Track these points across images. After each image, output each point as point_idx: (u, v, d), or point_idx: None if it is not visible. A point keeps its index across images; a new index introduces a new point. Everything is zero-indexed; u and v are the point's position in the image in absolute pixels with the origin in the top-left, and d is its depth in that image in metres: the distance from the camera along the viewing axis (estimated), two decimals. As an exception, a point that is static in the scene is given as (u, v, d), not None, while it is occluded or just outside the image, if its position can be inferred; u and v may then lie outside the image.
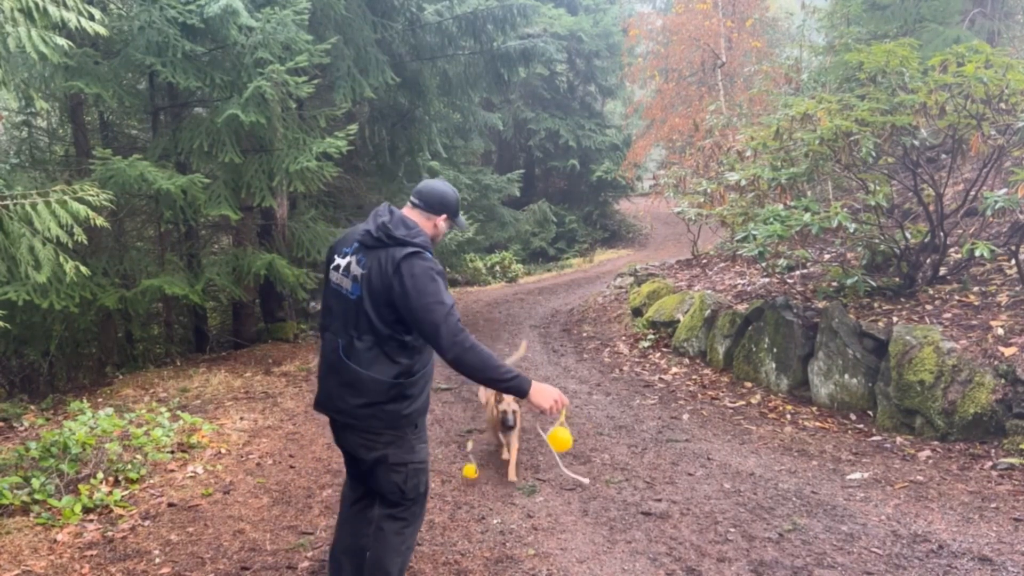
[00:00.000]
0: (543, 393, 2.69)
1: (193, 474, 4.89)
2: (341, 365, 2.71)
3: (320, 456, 5.25)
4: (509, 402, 4.63)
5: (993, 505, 3.97)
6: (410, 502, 2.81)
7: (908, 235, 6.42)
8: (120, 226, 8.76)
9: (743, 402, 6.25)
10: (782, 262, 7.90)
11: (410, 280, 2.59)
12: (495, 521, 3.98)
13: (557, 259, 20.76)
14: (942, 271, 6.38)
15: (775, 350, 6.47)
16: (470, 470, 4.37)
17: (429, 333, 2.60)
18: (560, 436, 2.97)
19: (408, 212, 2.84)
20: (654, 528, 3.85)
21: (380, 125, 11.44)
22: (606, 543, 3.69)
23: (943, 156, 7.48)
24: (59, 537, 3.87)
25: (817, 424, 5.59)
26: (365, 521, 2.91)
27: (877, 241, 6.67)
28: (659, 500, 4.21)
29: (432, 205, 2.84)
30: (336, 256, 2.83)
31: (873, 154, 5.83)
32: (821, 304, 6.55)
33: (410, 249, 2.64)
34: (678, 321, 8.10)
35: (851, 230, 6.08)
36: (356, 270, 2.71)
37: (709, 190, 8.65)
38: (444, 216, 2.87)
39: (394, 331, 2.67)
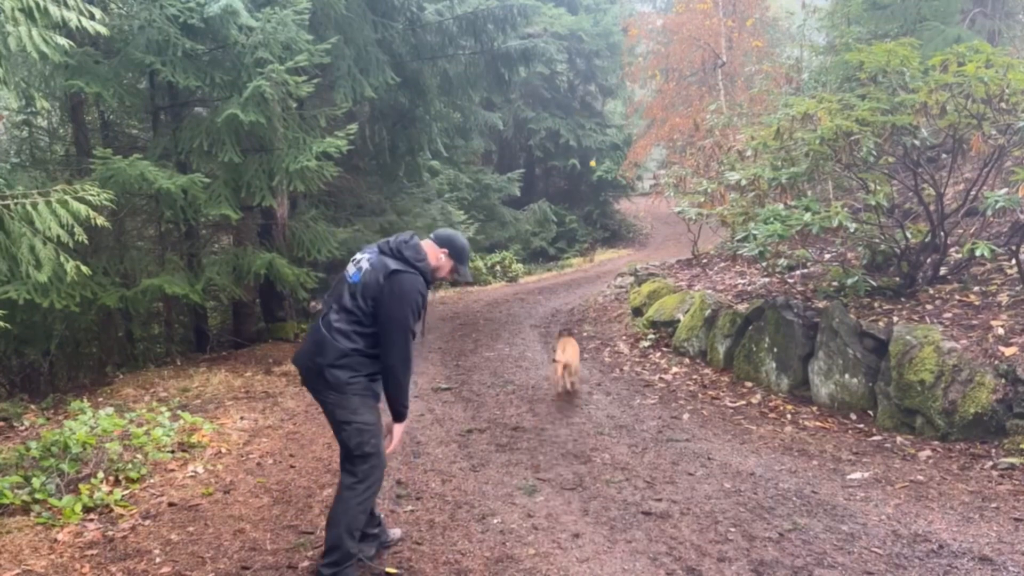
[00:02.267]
0: (400, 434, 3.41)
1: (193, 474, 4.89)
2: (317, 329, 3.28)
3: (320, 456, 5.25)
4: (564, 357, 6.51)
5: (993, 505, 3.97)
6: (359, 459, 3.27)
7: (908, 235, 6.42)
8: (120, 225, 8.76)
9: (743, 402, 6.25)
10: (782, 262, 7.90)
11: (392, 294, 3.16)
12: (495, 521, 3.98)
13: (557, 259, 20.76)
14: (942, 271, 6.38)
15: (775, 350, 6.47)
16: None
17: (385, 341, 3.20)
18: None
19: (425, 243, 3.37)
20: (654, 528, 3.85)
21: (380, 125, 11.45)
22: (606, 543, 3.69)
23: (944, 156, 7.48)
24: (59, 536, 3.87)
25: (817, 424, 5.59)
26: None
27: (877, 241, 6.67)
28: (659, 500, 4.21)
29: (440, 240, 3.40)
30: (358, 254, 3.41)
31: (873, 154, 5.83)
32: (821, 304, 6.55)
33: (406, 267, 3.21)
34: (678, 321, 8.10)
35: (851, 230, 6.08)
36: (364, 264, 3.28)
37: (709, 190, 8.66)
38: (446, 251, 3.38)
39: (363, 317, 3.21)
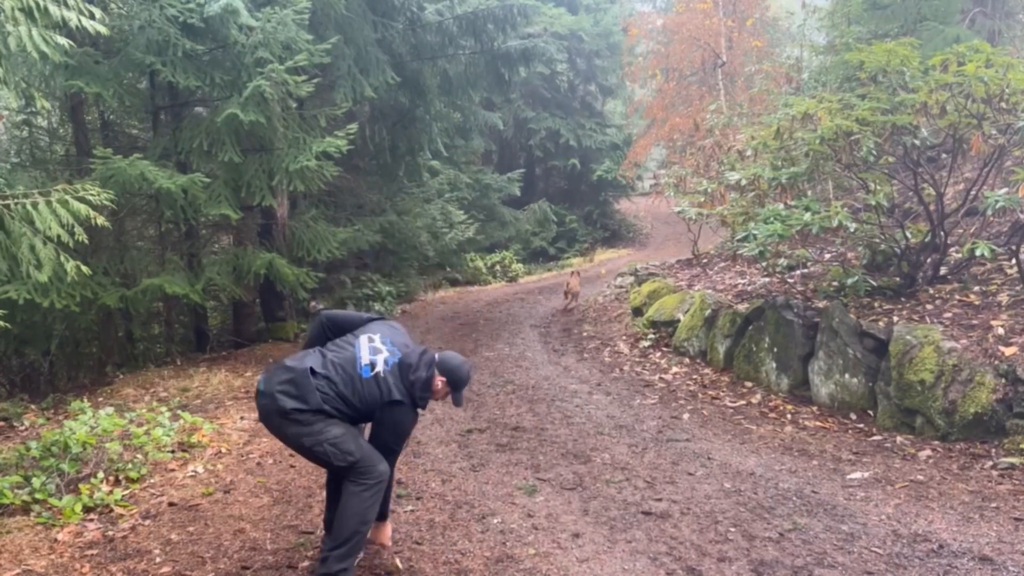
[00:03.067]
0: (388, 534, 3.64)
1: (193, 473, 4.89)
2: (305, 375, 3.20)
3: (320, 455, 5.24)
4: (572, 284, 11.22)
5: (993, 505, 3.97)
6: (350, 470, 3.23)
7: (908, 235, 6.42)
8: (120, 225, 8.76)
9: (743, 402, 6.25)
10: (782, 262, 7.89)
11: (391, 423, 3.30)
12: (495, 521, 3.98)
13: (557, 259, 20.75)
14: (942, 271, 6.38)
15: (775, 350, 6.47)
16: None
17: (377, 452, 3.29)
18: None
19: (436, 369, 3.41)
20: (654, 527, 3.85)
21: (380, 124, 11.45)
22: (606, 543, 3.69)
23: (944, 155, 7.48)
24: (59, 536, 3.87)
25: (817, 424, 5.59)
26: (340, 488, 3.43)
27: (877, 241, 6.67)
28: (659, 500, 4.21)
29: (442, 368, 3.42)
30: (373, 333, 3.43)
31: (874, 153, 5.83)
32: (821, 304, 6.55)
33: (407, 401, 3.27)
34: (678, 321, 8.10)
35: (851, 230, 6.07)
36: (379, 366, 3.28)
37: (710, 190, 8.66)
38: (444, 379, 3.42)
39: (350, 409, 3.24)
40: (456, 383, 3.44)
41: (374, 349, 3.34)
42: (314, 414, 3.18)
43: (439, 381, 3.40)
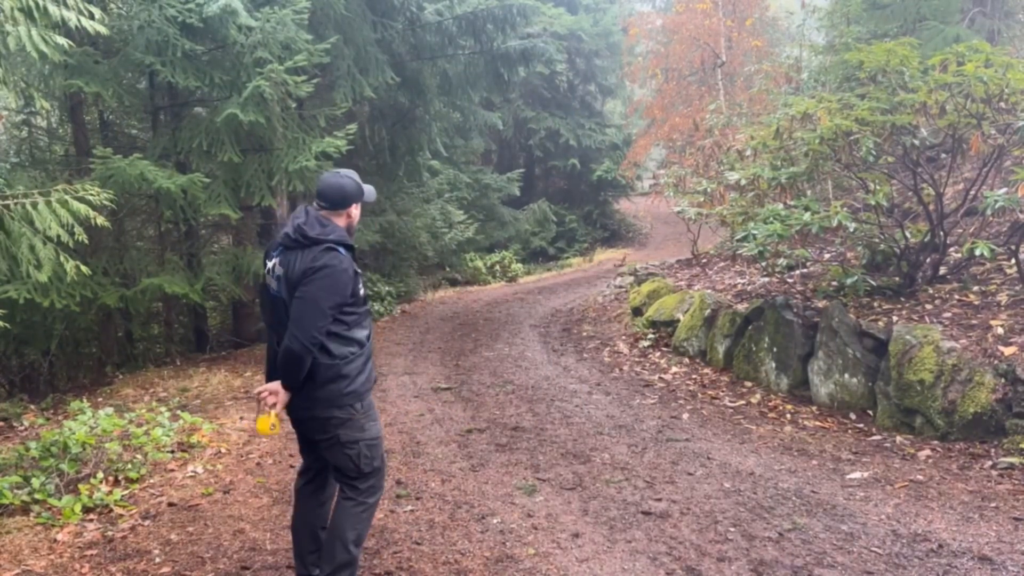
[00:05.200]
0: (283, 400, 2.91)
1: (193, 474, 4.89)
2: (277, 359, 2.91)
3: (320, 455, 5.24)
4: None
5: (993, 504, 3.97)
6: (365, 476, 3.02)
7: (908, 234, 6.42)
8: (120, 225, 8.76)
9: (743, 401, 6.25)
10: (782, 261, 7.89)
11: (314, 273, 2.80)
12: (495, 521, 3.98)
13: (557, 258, 20.76)
14: (942, 270, 6.38)
15: (775, 349, 6.47)
16: (264, 424, 2.93)
17: (293, 320, 2.79)
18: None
19: (323, 214, 2.98)
20: (654, 527, 3.85)
21: (380, 124, 11.46)
22: (606, 543, 3.69)
23: (943, 155, 7.48)
24: (59, 537, 3.87)
25: (817, 423, 5.59)
26: (317, 503, 3.16)
27: (877, 240, 6.67)
28: (659, 499, 4.22)
29: (337, 202, 2.99)
30: (267, 260, 3.04)
31: (873, 153, 5.83)
32: (821, 303, 6.55)
33: (324, 246, 2.85)
34: (678, 320, 8.10)
35: (851, 229, 6.08)
36: (278, 271, 2.93)
37: (709, 189, 8.66)
38: (354, 204, 3.04)
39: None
40: (358, 192, 3.01)
41: (269, 273, 3.01)
42: (344, 385, 2.88)
43: (351, 211, 3.01)
